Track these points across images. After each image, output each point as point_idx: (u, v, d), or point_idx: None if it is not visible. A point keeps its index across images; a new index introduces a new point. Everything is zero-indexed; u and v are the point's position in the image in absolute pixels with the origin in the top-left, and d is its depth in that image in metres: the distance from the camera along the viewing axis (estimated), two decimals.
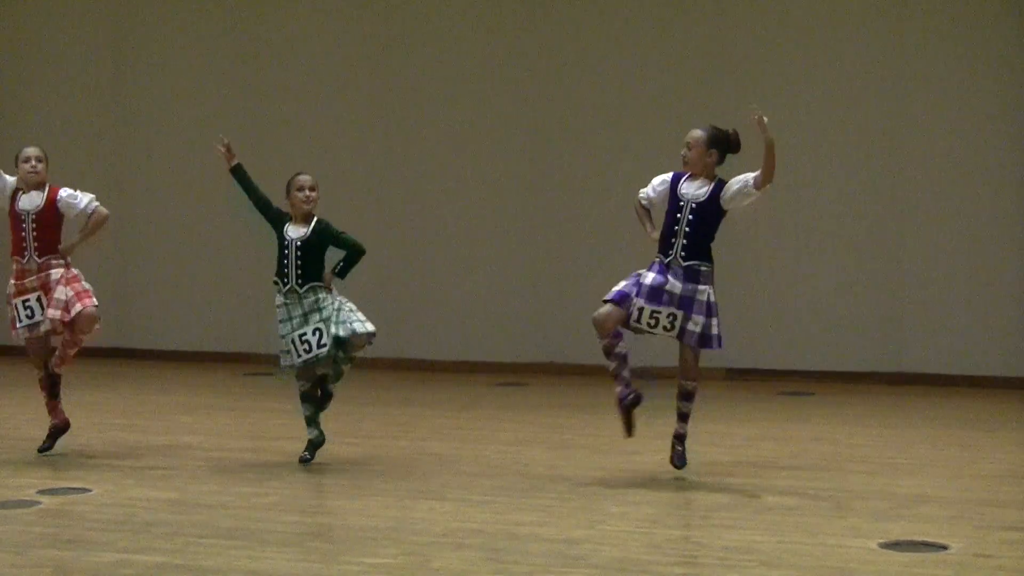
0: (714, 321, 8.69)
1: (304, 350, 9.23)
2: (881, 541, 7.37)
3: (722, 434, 10.55)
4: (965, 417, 11.47)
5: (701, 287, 8.69)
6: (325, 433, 9.39)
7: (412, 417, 10.82)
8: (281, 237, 9.41)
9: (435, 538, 7.44)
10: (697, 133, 8.90)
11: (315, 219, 9.43)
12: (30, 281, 9.53)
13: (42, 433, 9.85)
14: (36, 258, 9.54)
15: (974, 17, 13.00)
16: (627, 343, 8.80)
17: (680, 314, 8.65)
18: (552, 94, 13.86)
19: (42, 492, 8.53)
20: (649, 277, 8.72)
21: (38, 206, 9.57)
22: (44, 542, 7.38)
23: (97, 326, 9.62)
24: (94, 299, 9.55)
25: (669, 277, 8.68)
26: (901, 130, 13.18)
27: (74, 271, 9.62)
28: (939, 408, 11.92)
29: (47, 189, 9.65)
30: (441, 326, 14.15)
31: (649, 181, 9.05)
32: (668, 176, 8.93)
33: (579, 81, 13.82)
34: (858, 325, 13.28)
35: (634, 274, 8.82)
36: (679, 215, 8.75)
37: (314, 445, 9.40)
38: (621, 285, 8.77)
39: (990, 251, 13.00)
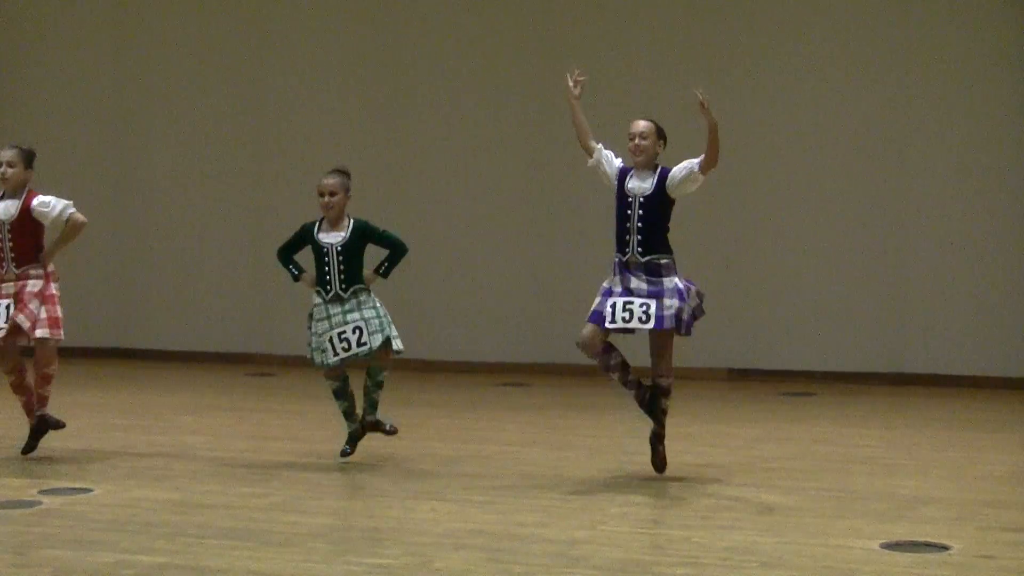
0: (686, 307, 8.62)
1: (343, 348, 9.10)
2: (883, 542, 7.37)
3: (723, 435, 10.54)
4: (967, 418, 11.46)
5: (666, 279, 8.65)
6: (356, 425, 9.35)
7: (414, 417, 10.81)
8: (317, 246, 9.23)
9: (437, 538, 7.44)
10: (646, 124, 8.79)
11: (351, 220, 9.26)
12: (7, 287, 9.25)
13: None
14: (14, 268, 9.27)
15: (977, 20, 13.00)
16: (619, 353, 8.73)
17: (652, 302, 8.56)
18: (555, 95, 13.82)
19: (43, 492, 8.52)
20: (616, 280, 8.67)
21: (12, 215, 9.27)
22: (45, 542, 7.37)
23: (55, 367, 9.33)
24: (61, 330, 9.25)
25: (631, 276, 8.64)
26: (903, 132, 13.18)
27: (53, 288, 9.30)
28: (941, 409, 11.91)
29: (24, 195, 9.34)
30: (442, 326, 14.15)
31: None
32: (619, 164, 8.83)
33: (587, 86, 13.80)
34: (859, 326, 13.28)
35: (601, 288, 8.75)
36: (628, 211, 8.67)
37: (354, 438, 9.37)
38: (595, 303, 8.72)
39: (991, 252, 13.00)
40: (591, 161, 8.91)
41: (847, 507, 8.17)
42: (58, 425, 9.46)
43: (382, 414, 9.44)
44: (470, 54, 14.17)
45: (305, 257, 9.35)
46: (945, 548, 7.27)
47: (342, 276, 9.17)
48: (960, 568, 6.96)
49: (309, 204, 14.31)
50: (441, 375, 13.72)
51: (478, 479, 8.94)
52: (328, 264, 9.18)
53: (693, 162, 8.70)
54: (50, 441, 9.69)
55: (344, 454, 9.39)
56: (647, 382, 8.77)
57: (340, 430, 9.63)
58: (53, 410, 9.47)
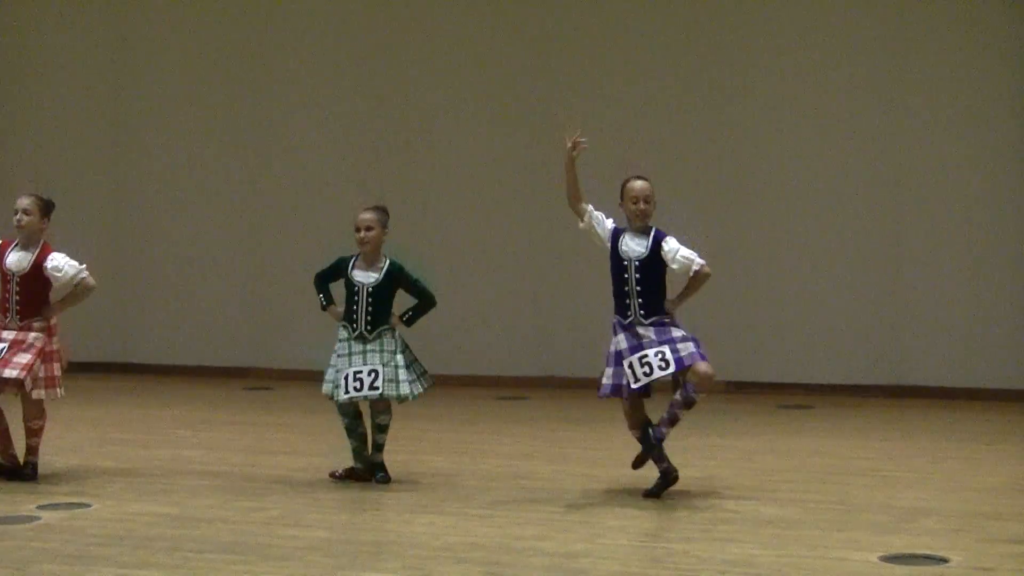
0: (697, 344, 8.59)
1: (354, 388, 9.05)
2: (882, 554, 7.37)
3: (722, 447, 10.54)
4: (965, 430, 11.46)
5: (673, 328, 8.63)
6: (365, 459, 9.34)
7: (412, 431, 10.81)
8: (350, 282, 9.18)
9: (435, 552, 7.44)
10: (647, 184, 8.72)
11: (388, 262, 9.22)
12: (7, 332, 9.11)
13: (41, 448, 9.82)
14: (17, 320, 9.14)
15: (975, 27, 13.03)
16: (661, 430, 8.66)
17: (664, 348, 8.52)
18: (555, 109, 13.87)
19: (42, 507, 8.52)
20: (622, 341, 8.62)
21: (24, 268, 9.12)
22: (44, 557, 7.37)
23: (41, 422, 9.25)
24: (57, 389, 9.16)
25: (637, 329, 8.61)
26: (900, 144, 13.20)
27: (52, 345, 9.18)
28: (939, 421, 11.92)
29: (38, 249, 9.18)
30: (441, 340, 14.13)
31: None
32: (610, 226, 8.77)
33: (583, 97, 13.83)
34: (858, 338, 13.29)
35: (607, 355, 8.67)
36: (625, 275, 8.63)
37: (353, 472, 9.30)
38: (607, 376, 8.62)
39: (989, 264, 13.01)
40: (582, 224, 8.82)
41: (846, 519, 8.17)
42: (32, 476, 9.26)
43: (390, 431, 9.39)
44: (472, 72, 14.18)
45: (337, 288, 9.30)
46: (944, 560, 7.27)
47: (369, 317, 9.14)
48: None
49: (308, 218, 14.41)
50: (440, 388, 13.66)
51: (477, 492, 8.94)
52: (357, 303, 9.15)
53: (692, 266, 8.61)
54: (49, 456, 9.69)
55: (333, 476, 9.34)
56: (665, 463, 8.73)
57: (338, 444, 9.62)
58: (48, 427, 9.42)
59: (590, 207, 8.82)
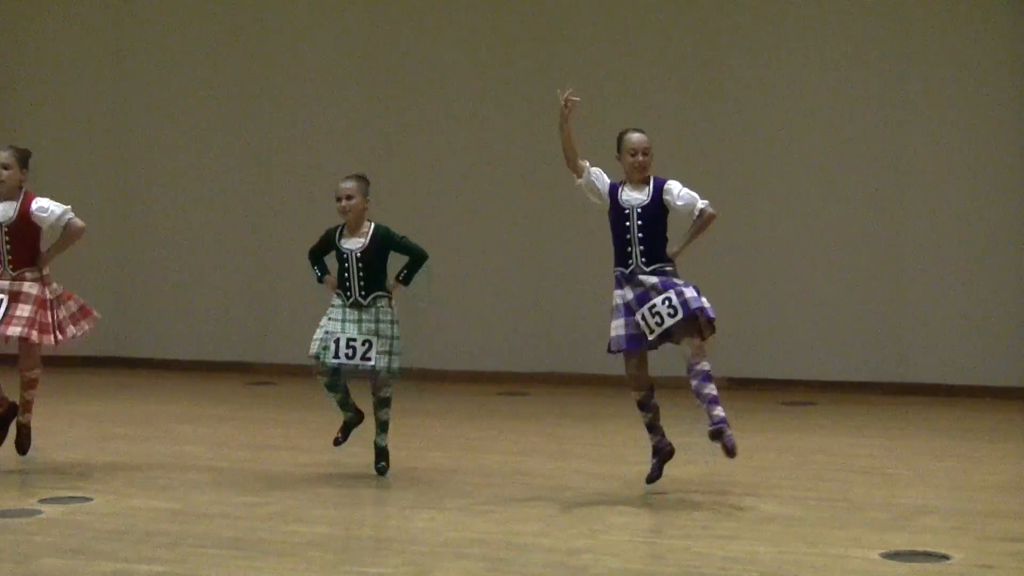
0: (699, 292, 8.60)
1: (346, 355, 9.00)
2: (883, 552, 7.36)
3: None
4: (967, 427, 11.46)
5: (674, 278, 8.64)
6: (355, 414, 9.32)
7: (413, 427, 10.81)
8: (339, 251, 9.21)
9: (436, 548, 7.44)
10: (644, 137, 8.72)
11: (372, 226, 9.25)
12: (2, 282, 9.19)
13: (43, 442, 9.85)
14: (10, 271, 9.21)
15: (976, 28, 13.02)
16: (655, 397, 8.72)
17: (671, 293, 8.49)
18: (556, 103, 13.85)
19: (43, 501, 8.52)
20: (628, 295, 8.62)
21: (11, 218, 9.21)
22: (45, 551, 7.37)
23: (38, 371, 9.30)
24: (51, 336, 9.18)
25: (639, 279, 8.60)
26: (902, 142, 13.19)
27: (48, 292, 9.23)
28: (940, 418, 11.91)
29: (21, 198, 9.27)
30: (443, 336, 14.15)
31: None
32: (607, 181, 8.76)
33: (584, 91, 13.80)
34: (859, 335, 13.29)
35: (614, 309, 8.65)
36: (627, 223, 8.62)
37: (348, 426, 9.33)
38: (618, 328, 8.60)
39: (991, 261, 13.00)
40: (580, 180, 8.78)
41: (847, 517, 8.16)
42: (25, 449, 9.33)
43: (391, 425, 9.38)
44: (470, 65, 14.18)
45: (330, 262, 9.34)
46: (945, 558, 7.27)
47: (362, 283, 9.14)
48: None
49: (309, 213, 14.40)
50: (441, 384, 13.72)
51: (477, 488, 8.94)
52: (348, 270, 9.15)
53: (697, 204, 8.61)
54: (50, 451, 9.69)
55: (336, 443, 9.34)
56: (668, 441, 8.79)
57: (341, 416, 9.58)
58: (50, 421, 9.42)
59: (587, 163, 8.79)
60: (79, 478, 9.24)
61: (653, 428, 8.80)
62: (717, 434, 8.46)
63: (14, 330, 9.09)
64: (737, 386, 13.35)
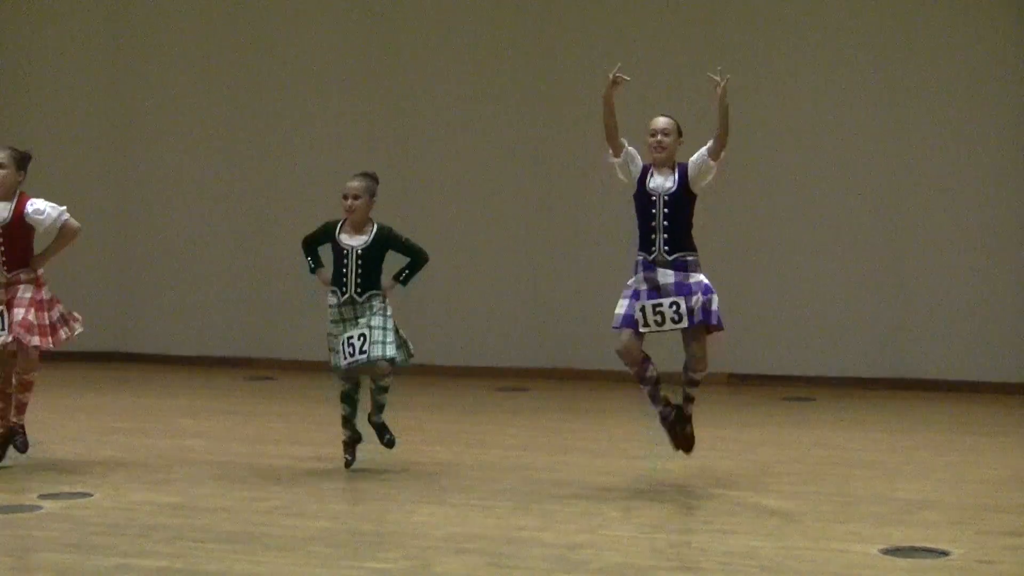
0: (713, 298, 8.62)
1: (348, 352, 9.05)
2: (882, 547, 7.37)
3: (724, 439, 10.54)
4: (967, 422, 11.46)
5: (693, 275, 8.64)
6: (360, 432, 9.36)
7: (414, 422, 10.81)
8: (337, 245, 9.19)
9: (437, 542, 7.44)
10: (667, 121, 8.80)
11: (376, 225, 9.25)
12: None
13: (43, 437, 9.85)
14: (5, 272, 9.13)
15: (978, 24, 12.99)
16: (655, 367, 8.71)
17: (680, 300, 8.53)
18: (555, 98, 13.87)
19: (44, 496, 8.52)
20: (641, 280, 8.64)
21: (5, 219, 9.10)
22: (46, 546, 7.38)
23: (35, 373, 9.19)
24: (49, 338, 9.11)
25: (658, 272, 8.62)
26: (903, 137, 13.18)
27: (43, 294, 9.17)
28: (941, 413, 11.91)
29: (16, 199, 9.17)
30: (443, 331, 14.14)
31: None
32: (640, 163, 8.79)
33: (582, 86, 13.82)
34: (860, 330, 13.28)
35: (626, 288, 8.70)
36: (653, 210, 8.64)
37: (349, 444, 9.34)
38: (623, 307, 8.65)
39: (992, 257, 12.99)
40: (616, 159, 8.78)
41: (847, 511, 8.17)
42: (23, 447, 9.25)
43: (391, 422, 9.39)
44: (472, 60, 14.16)
45: (325, 254, 9.33)
46: (945, 553, 7.27)
47: (359, 280, 9.14)
48: (960, 573, 6.96)
49: (309, 208, 14.37)
50: (441, 379, 13.71)
51: (478, 483, 8.95)
52: (346, 266, 9.15)
53: (702, 151, 8.69)
54: (51, 445, 9.69)
55: (348, 464, 9.36)
56: (676, 400, 8.77)
57: (340, 435, 9.61)
58: (50, 416, 9.42)
59: (626, 142, 8.82)
60: (79, 473, 9.24)
61: (655, 398, 8.77)
62: (666, 423, 8.75)
63: (43, 344, 9.02)
64: (738, 381, 13.35)
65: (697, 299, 8.54)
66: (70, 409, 10.81)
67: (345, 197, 9.23)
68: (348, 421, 9.35)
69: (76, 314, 9.47)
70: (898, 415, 11.82)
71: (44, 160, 14.92)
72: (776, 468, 9.51)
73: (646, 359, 8.69)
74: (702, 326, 8.58)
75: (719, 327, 8.62)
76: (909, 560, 7.15)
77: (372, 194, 9.28)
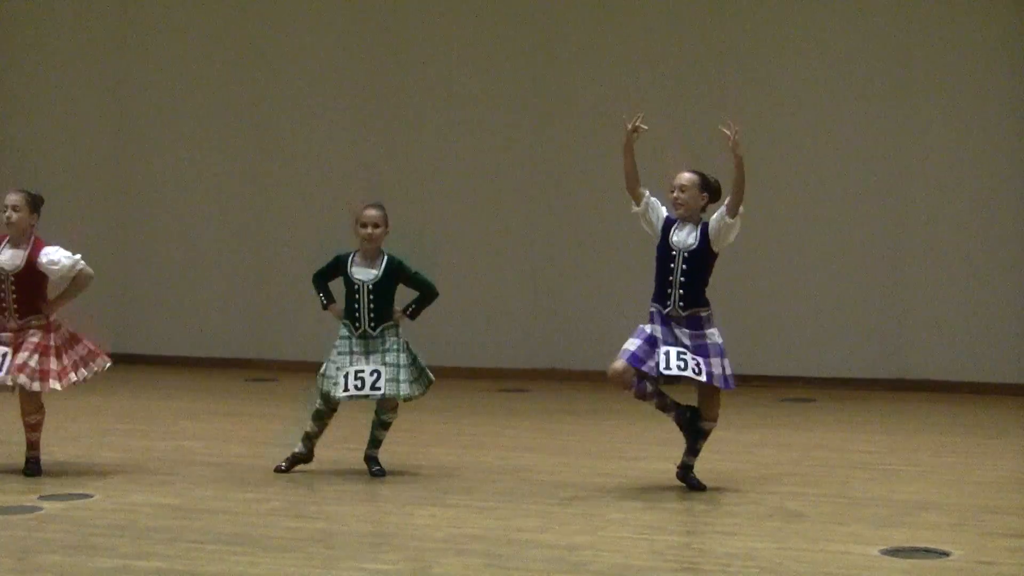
0: (726, 362, 8.61)
1: (355, 386, 8.94)
2: (882, 548, 7.37)
3: (723, 440, 10.51)
4: (967, 424, 11.46)
5: (708, 331, 8.59)
6: (313, 452, 9.32)
7: (413, 423, 10.80)
8: (348, 279, 9.10)
9: (436, 544, 7.44)
10: (690, 175, 8.71)
11: (386, 257, 9.14)
12: (6, 335, 8.96)
13: (44, 438, 9.80)
14: (16, 319, 8.96)
15: (979, 24, 12.99)
16: (648, 381, 8.54)
17: (701, 360, 8.49)
18: (555, 100, 13.86)
19: (44, 498, 8.53)
20: (659, 330, 8.54)
21: (18, 266, 8.93)
22: (45, 547, 7.38)
23: (39, 416, 9.12)
24: (49, 383, 8.94)
25: (675, 330, 8.57)
26: (902, 138, 13.18)
27: (52, 339, 9.00)
28: (941, 415, 11.91)
29: (30, 245, 8.99)
30: (442, 332, 14.12)
31: (648, 185, 8.84)
32: (664, 214, 8.74)
33: (583, 88, 13.82)
34: (860, 331, 13.28)
35: (639, 330, 8.58)
36: (672, 264, 8.58)
37: (296, 459, 9.27)
38: (634, 346, 8.50)
39: (991, 258, 12.99)
40: (637, 208, 8.76)
41: (847, 513, 8.17)
42: (35, 473, 9.16)
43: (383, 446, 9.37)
44: (473, 63, 14.16)
45: (336, 286, 9.26)
46: (945, 554, 7.27)
47: (372, 315, 9.07)
48: (960, 574, 6.96)
49: (309, 210, 14.40)
50: (441, 380, 13.65)
51: (478, 484, 8.95)
52: (359, 301, 9.08)
53: (721, 209, 8.62)
54: (51, 447, 9.69)
55: (279, 470, 9.24)
56: (684, 403, 8.73)
57: (338, 436, 9.61)
58: (50, 418, 9.40)
59: (647, 192, 8.79)
60: (79, 474, 9.24)
61: (664, 408, 8.67)
62: (683, 478, 8.73)
63: (46, 388, 8.91)
64: (738, 383, 13.27)
65: (717, 364, 8.53)
66: (69, 410, 10.79)
67: (364, 225, 9.09)
68: (310, 439, 9.28)
69: (103, 353, 9.31)
70: (898, 416, 11.82)
71: (44, 162, 15.01)
72: (776, 469, 9.51)
73: (639, 380, 8.53)
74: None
75: (730, 388, 8.64)
76: (909, 561, 7.15)
77: (387, 223, 9.20)
